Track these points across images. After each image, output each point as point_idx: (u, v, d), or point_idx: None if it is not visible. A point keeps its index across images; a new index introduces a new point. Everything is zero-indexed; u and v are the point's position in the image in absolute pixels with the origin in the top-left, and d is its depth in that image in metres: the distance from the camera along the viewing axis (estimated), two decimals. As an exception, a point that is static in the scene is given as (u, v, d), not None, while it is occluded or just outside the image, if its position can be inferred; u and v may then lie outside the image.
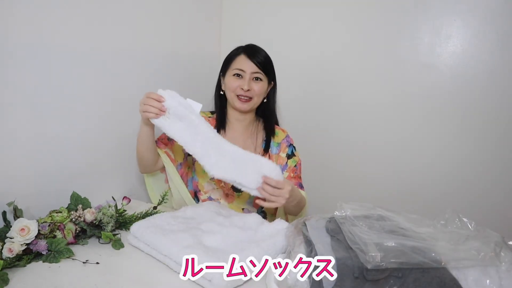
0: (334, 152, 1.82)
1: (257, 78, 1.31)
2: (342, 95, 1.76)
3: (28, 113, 1.09)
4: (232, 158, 1.11)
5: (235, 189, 1.32)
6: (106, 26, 1.30)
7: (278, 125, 1.46)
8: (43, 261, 0.94)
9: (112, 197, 1.19)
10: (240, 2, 1.91)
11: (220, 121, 1.38)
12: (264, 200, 1.10)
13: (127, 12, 1.38)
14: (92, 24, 1.24)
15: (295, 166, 1.39)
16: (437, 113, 1.58)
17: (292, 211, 1.29)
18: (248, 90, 1.29)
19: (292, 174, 1.38)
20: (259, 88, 1.31)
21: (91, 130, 1.30)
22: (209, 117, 1.42)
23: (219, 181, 1.34)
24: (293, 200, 1.15)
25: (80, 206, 1.11)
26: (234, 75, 1.31)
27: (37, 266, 0.92)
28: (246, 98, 1.31)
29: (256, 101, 1.34)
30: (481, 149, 1.54)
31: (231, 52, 1.36)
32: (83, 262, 0.94)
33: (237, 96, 1.31)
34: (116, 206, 1.15)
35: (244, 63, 1.30)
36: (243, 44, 1.38)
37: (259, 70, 1.30)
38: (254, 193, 1.11)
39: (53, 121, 1.17)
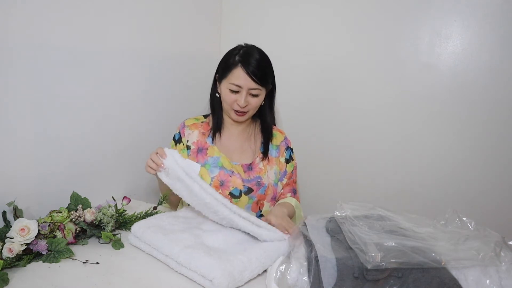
0: (334, 152, 1.82)
1: (254, 94, 1.26)
2: (342, 95, 1.75)
3: (29, 114, 1.09)
4: (230, 223, 1.07)
5: (233, 196, 1.31)
6: (106, 26, 1.30)
7: (275, 125, 1.43)
8: (43, 261, 0.94)
9: (112, 197, 1.19)
10: (240, 2, 1.91)
11: (216, 125, 1.34)
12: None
13: (127, 13, 1.38)
14: (92, 25, 1.24)
15: (292, 171, 1.39)
16: (437, 113, 1.58)
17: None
18: (245, 105, 1.25)
19: (288, 181, 1.37)
20: (256, 102, 1.27)
21: (91, 130, 1.30)
22: (202, 121, 1.38)
23: (216, 187, 1.30)
24: (291, 216, 1.24)
25: (80, 206, 1.11)
26: (230, 89, 1.24)
27: (37, 266, 0.92)
28: (242, 112, 1.27)
29: (252, 113, 1.31)
30: (481, 149, 1.54)
31: (229, 58, 1.27)
32: (83, 262, 0.94)
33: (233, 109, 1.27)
34: (116, 206, 1.15)
35: (241, 79, 1.22)
36: (242, 42, 1.31)
37: (256, 86, 1.23)
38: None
39: (53, 121, 1.17)
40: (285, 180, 1.37)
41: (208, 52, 1.86)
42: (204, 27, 1.84)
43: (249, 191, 1.31)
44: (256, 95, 1.26)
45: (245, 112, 1.28)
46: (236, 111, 1.27)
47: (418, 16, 1.55)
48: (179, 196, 1.12)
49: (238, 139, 1.37)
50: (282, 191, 1.37)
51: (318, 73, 1.79)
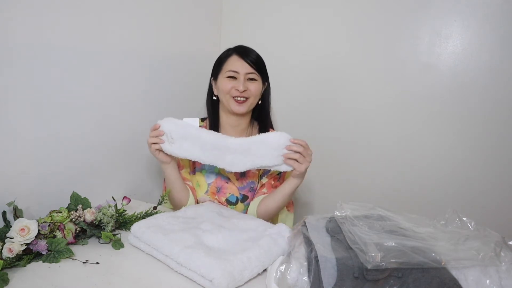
0: (334, 152, 1.82)
1: (251, 79, 1.27)
2: (342, 95, 1.75)
3: (29, 113, 1.09)
4: (243, 150, 1.14)
5: (230, 203, 1.30)
6: (106, 26, 1.30)
7: (273, 128, 1.42)
8: (43, 261, 0.94)
9: (112, 197, 1.19)
10: (240, 2, 1.91)
11: (213, 128, 1.33)
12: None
13: (127, 13, 1.38)
14: (92, 25, 1.24)
15: (279, 174, 1.35)
16: (437, 113, 1.58)
17: (274, 210, 1.25)
18: (244, 90, 1.25)
19: (272, 182, 1.33)
20: (255, 88, 1.27)
21: (91, 130, 1.30)
22: (199, 125, 1.38)
23: (213, 193, 1.31)
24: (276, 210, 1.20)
25: (80, 206, 1.11)
26: (227, 77, 1.26)
27: (37, 266, 0.92)
28: (242, 99, 1.26)
29: (252, 102, 1.29)
30: (481, 149, 1.54)
31: (221, 55, 1.32)
32: (83, 262, 0.95)
33: (233, 98, 1.26)
34: (116, 206, 1.15)
35: (237, 64, 1.25)
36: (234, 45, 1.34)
37: (253, 70, 1.26)
38: (283, 168, 1.16)
39: (54, 121, 1.17)
40: (265, 179, 1.33)
41: (208, 52, 1.86)
42: (204, 27, 1.84)
43: (244, 198, 1.31)
44: (254, 79, 1.27)
45: (245, 99, 1.27)
46: (236, 98, 1.26)
47: (418, 16, 1.55)
48: (189, 157, 1.16)
49: None
50: (265, 190, 1.31)
51: (318, 73, 1.79)
